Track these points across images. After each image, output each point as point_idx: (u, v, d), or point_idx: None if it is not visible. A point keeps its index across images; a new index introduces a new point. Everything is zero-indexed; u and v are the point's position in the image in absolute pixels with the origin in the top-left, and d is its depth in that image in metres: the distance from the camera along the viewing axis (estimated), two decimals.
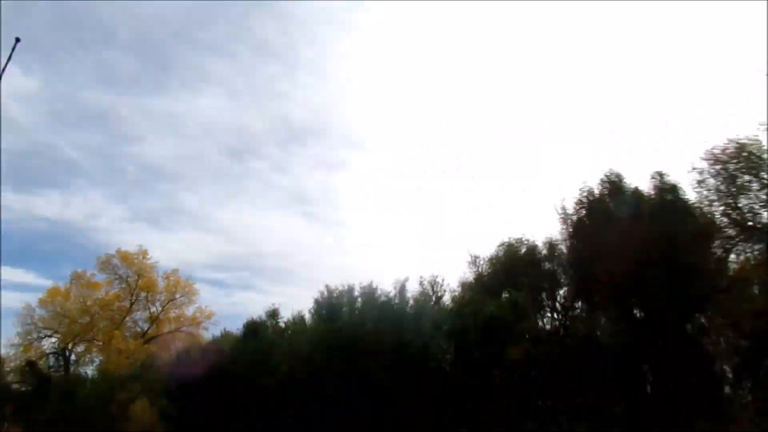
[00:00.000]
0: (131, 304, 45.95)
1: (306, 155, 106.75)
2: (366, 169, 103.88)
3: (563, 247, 29.18)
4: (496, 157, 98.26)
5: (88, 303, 45.43)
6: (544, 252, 30.16)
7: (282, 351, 30.92)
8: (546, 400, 26.75)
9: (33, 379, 42.35)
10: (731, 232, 21.56)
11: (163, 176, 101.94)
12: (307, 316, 34.48)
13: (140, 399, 32.42)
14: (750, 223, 20.59)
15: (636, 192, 26.46)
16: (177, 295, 47.19)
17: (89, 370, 46.35)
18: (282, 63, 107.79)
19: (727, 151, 20.89)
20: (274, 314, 36.85)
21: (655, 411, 23.02)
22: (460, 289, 32.52)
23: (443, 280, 32.81)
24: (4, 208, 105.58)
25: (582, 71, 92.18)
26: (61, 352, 44.80)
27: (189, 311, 47.53)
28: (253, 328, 35.45)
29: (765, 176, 20.29)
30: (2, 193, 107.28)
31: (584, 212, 27.44)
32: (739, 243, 21.61)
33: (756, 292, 21.92)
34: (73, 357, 45.83)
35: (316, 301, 33.36)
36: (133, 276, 45.65)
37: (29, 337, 46.15)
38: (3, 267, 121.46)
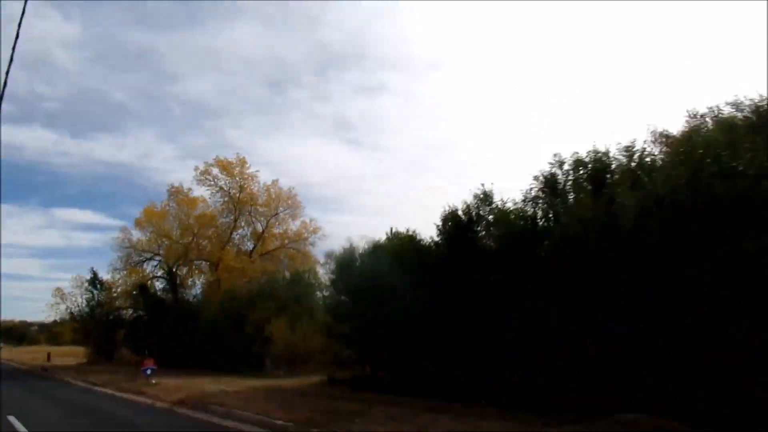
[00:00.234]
0: (235, 220, 41.58)
1: (345, 81, 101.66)
2: (407, 90, 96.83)
3: None
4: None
5: (190, 221, 41.41)
6: None
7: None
8: None
9: (148, 301, 39.29)
10: None
11: (208, 113, 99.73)
12: None
13: (279, 317, 28.32)
14: None
15: None
16: (280, 210, 42.50)
17: (195, 293, 43.27)
18: None
19: None
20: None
21: None
22: None
23: None
24: (63, 154, 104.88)
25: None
26: (168, 274, 41.38)
27: (294, 226, 42.95)
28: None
29: None
30: (61, 139, 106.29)
31: None
32: None
33: None
34: (176, 280, 42.41)
35: None
36: (235, 188, 40.95)
37: (130, 261, 43.27)
38: (71, 209, 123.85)
